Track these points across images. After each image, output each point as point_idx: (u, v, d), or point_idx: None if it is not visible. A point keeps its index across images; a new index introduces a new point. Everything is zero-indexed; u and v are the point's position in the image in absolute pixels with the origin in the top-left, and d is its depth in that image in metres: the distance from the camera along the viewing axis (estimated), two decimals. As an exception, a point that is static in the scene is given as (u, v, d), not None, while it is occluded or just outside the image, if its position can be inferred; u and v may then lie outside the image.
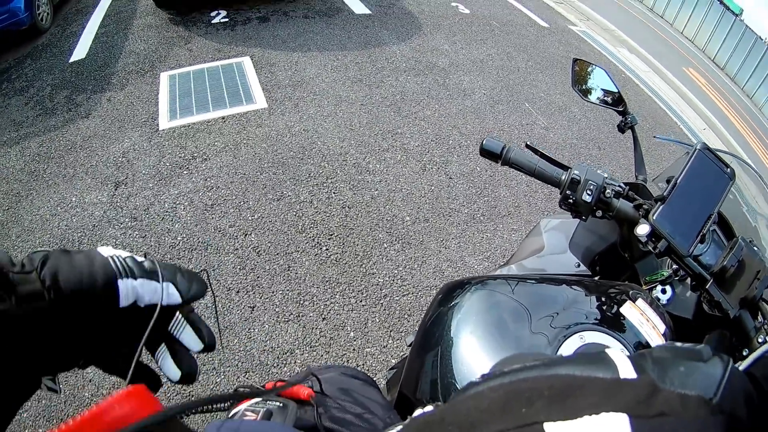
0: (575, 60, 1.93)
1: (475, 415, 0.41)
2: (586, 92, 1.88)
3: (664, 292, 1.45)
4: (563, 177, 1.39)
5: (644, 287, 1.43)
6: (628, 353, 0.60)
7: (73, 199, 3.70)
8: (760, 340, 1.23)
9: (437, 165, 4.38)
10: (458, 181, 4.25)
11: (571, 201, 1.37)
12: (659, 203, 1.26)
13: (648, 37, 17.32)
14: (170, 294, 0.69)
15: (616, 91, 1.81)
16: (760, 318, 1.27)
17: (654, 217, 1.24)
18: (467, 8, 8.43)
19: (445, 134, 4.79)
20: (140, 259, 0.67)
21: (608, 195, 1.35)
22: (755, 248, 1.32)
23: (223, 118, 4.54)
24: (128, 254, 0.66)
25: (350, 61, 5.76)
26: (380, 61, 5.87)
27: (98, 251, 0.63)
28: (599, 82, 1.89)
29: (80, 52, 5.53)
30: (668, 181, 1.30)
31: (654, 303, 1.29)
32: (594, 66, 1.92)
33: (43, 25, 5.87)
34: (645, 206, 1.32)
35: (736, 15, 32.97)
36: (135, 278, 0.64)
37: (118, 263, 0.63)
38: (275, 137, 4.35)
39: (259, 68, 5.34)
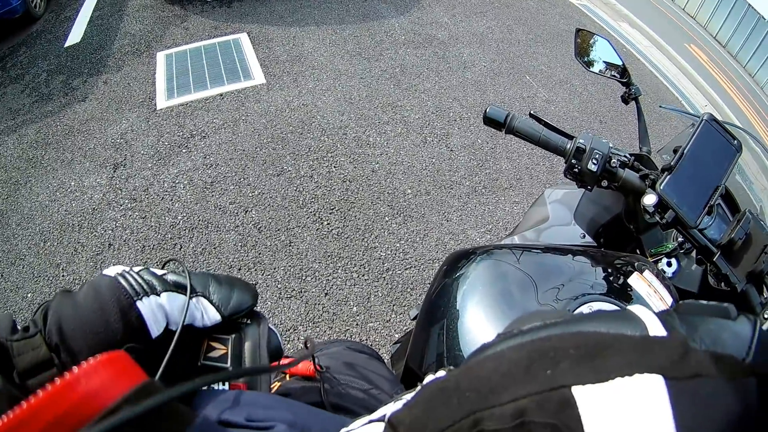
0: (578, 30, 1.90)
1: (495, 379, 0.38)
2: (589, 63, 1.85)
3: (669, 265, 1.45)
4: (568, 146, 1.38)
5: (650, 260, 1.43)
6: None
7: (72, 183, 3.68)
8: (766, 316, 1.22)
9: (438, 137, 4.35)
10: (459, 153, 4.22)
11: (576, 170, 1.36)
12: (666, 173, 1.24)
13: (649, 12, 17.18)
14: (205, 310, 0.59)
15: (620, 62, 1.79)
16: (765, 293, 1.27)
17: (661, 187, 1.21)
18: (467, -20, 8.32)
19: (446, 106, 4.75)
20: (159, 272, 0.58)
21: (614, 165, 1.34)
22: (762, 222, 1.31)
23: (221, 95, 4.50)
24: (142, 267, 0.57)
25: (348, 34, 5.70)
26: (379, 34, 5.82)
27: (103, 275, 0.54)
28: (602, 53, 1.88)
29: (75, 36, 5.46)
30: (675, 152, 1.28)
31: (660, 275, 1.28)
32: (597, 36, 1.91)
33: (37, 12, 5.78)
34: (651, 176, 1.30)
35: None
36: (158, 294, 0.55)
37: (131, 281, 0.54)
38: (274, 112, 4.31)
39: (256, 44, 5.29)
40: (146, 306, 0.54)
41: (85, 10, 5.98)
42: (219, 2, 6.08)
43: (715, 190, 1.24)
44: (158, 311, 0.55)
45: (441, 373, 0.50)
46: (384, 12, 6.36)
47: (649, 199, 1.22)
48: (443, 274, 1.32)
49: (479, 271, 1.24)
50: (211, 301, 0.61)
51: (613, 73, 1.79)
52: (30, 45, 5.36)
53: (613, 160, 1.34)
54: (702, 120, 1.31)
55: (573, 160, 1.35)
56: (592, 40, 1.92)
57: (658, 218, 1.22)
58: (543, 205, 1.74)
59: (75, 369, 0.38)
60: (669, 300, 1.18)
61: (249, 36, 5.44)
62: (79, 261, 3.16)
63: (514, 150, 4.34)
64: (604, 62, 1.84)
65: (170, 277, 0.59)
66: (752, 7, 28.10)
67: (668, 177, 1.23)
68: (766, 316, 1.21)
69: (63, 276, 3.08)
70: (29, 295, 2.99)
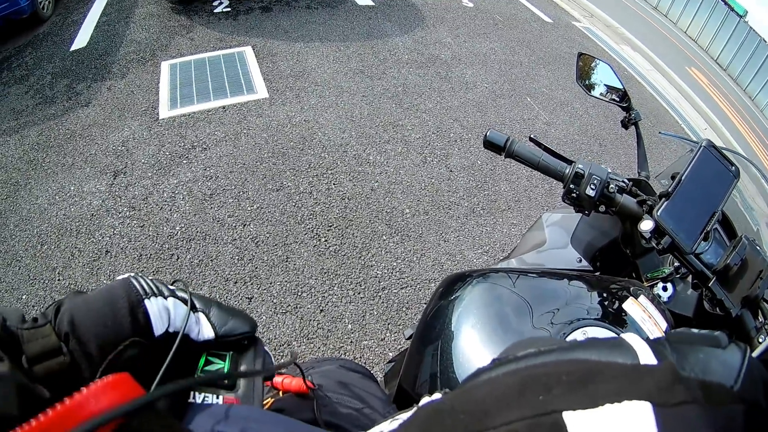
0: (580, 54, 1.92)
1: (489, 402, 0.39)
2: (590, 87, 1.87)
3: (665, 289, 1.44)
4: (567, 171, 1.39)
5: (645, 284, 1.42)
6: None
7: (72, 188, 3.69)
8: (760, 340, 1.23)
9: (438, 157, 4.37)
10: (459, 174, 4.25)
11: (574, 195, 1.37)
12: (663, 199, 1.25)
13: (651, 35, 17.37)
14: (200, 325, 0.63)
15: (620, 86, 1.80)
16: (760, 317, 1.27)
17: (658, 213, 1.23)
18: (471, 2, 8.43)
19: (447, 127, 4.79)
20: (171, 286, 0.63)
21: (612, 190, 1.35)
22: (758, 247, 1.32)
23: (223, 107, 4.52)
24: (153, 277, 0.62)
25: (352, 52, 5.74)
26: (382, 52, 5.86)
27: (117, 279, 0.59)
28: (604, 77, 1.89)
29: (81, 40, 5.49)
30: (673, 177, 1.30)
31: (655, 300, 1.28)
32: (599, 61, 1.92)
33: (45, 14, 5.82)
34: (649, 202, 1.32)
35: (741, 16, 32.90)
36: (165, 297, 0.59)
37: (142, 282, 0.58)
38: (276, 127, 4.33)
39: (260, 58, 5.32)
40: (153, 305, 0.58)
41: (92, 15, 6.02)
42: (225, 15, 6.12)
43: (712, 216, 1.27)
44: (163, 312, 0.58)
45: (437, 395, 0.52)
46: (388, 30, 6.42)
47: (646, 225, 1.24)
48: (439, 296, 1.33)
49: (475, 294, 1.25)
50: (209, 319, 0.64)
51: (613, 97, 1.80)
52: (36, 46, 5.38)
53: (611, 186, 1.36)
54: (700, 146, 1.33)
55: (571, 185, 1.36)
56: (593, 64, 1.95)
57: (654, 243, 1.23)
58: (540, 229, 1.75)
59: (83, 390, 0.40)
60: (663, 325, 1.19)
61: (254, 49, 5.47)
62: (76, 266, 3.16)
63: (513, 172, 4.37)
64: (605, 86, 1.86)
65: (177, 292, 0.62)
66: (753, 30, 28.35)
67: (665, 203, 1.25)
68: (760, 340, 1.23)
69: (59, 280, 3.08)
70: (24, 297, 3.00)
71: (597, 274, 1.53)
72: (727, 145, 9.74)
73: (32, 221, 3.45)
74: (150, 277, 0.61)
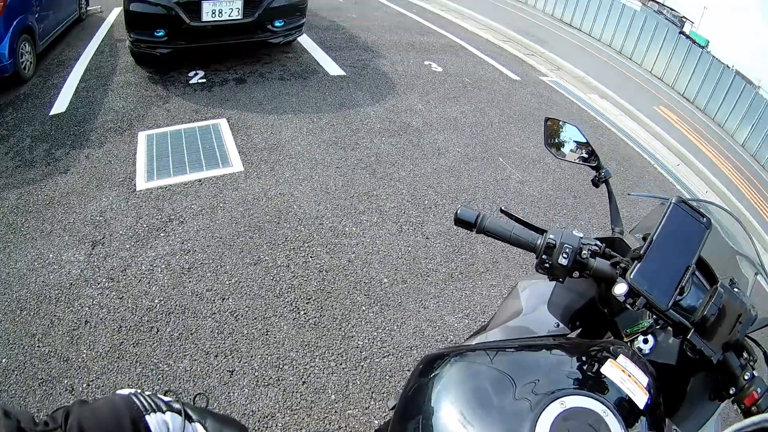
0: (547, 119, 1.97)
1: None
2: (559, 151, 1.94)
3: (646, 341, 1.44)
4: (539, 242, 1.41)
5: (626, 339, 1.45)
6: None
7: (51, 255, 3.70)
8: (746, 377, 1.25)
9: (413, 225, 4.46)
10: (435, 240, 4.33)
11: (547, 265, 1.38)
12: (636, 261, 1.28)
13: (618, 80, 18.06)
14: None
15: (589, 146, 1.86)
16: (745, 354, 1.30)
17: (631, 277, 1.26)
18: (440, 66, 8.72)
19: (421, 194, 4.89)
20: (166, 398, 0.69)
21: (584, 256, 1.38)
22: (736, 290, 1.35)
23: (199, 180, 4.58)
24: (151, 392, 0.68)
25: (325, 123, 5.88)
26: (355, 122, 6.00)
27: (118, 393, 0.65)
28: (572, 138, 1.94)
29: (61, 105, 5.58)
30: (644, 238, 1.33)
31: (635, 356, 1.29)
32: (565, 123, 1.97)
33: (26, 74, 5.93)
34: (622, 264, 1.35)
35: (702, 47, 34.36)
36: (163, 412, 0.66)
37: (142, 399, 0.64)
38: (251, 201, 4.39)
39: (235, 131, 5.42)
40: (153, 420, 0.64)
41: (71, 80, 6.15)
42: (201, 86, 6.27)
43: (686, 270, 1.28)
44: (162, 426, 0.65)
45: None
46: (360, 100, 6.60)
47: (620, 289, 1.26)
48: (419, 373, 1.34)
49: (453, 372, 1.27)
50: (205, 428, 0.70)
51: (583, 156, 1.86)
52: (17, 107, 5.48)
53: (583, 252, 1.38)
54: (670, 203, 1.37)
55: (544, 256, 1.38)
56: (560, 127, 1.98)
57: (629, 304, 1.25)
58: (516, 297, 1.73)
59: None
60: (645, 381, 1.17)
61: (228, 122, 5.57)
62: (56, 334, 3.16)
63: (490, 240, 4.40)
64: (575, 146, 1.91)
65: (173, 404, 0.68)
66: (717, 59, 29.52)
67: (637, 266, 1.27)
68: (746, 377, 1.25)
69: (39, 347, 3.07)
70: (3, 361, 2.98)
71: (576, 338, 1.57)
72: (699, 175, 10.21)
73: (11, 285, 3.46)
74: (148, 393, 0.66)
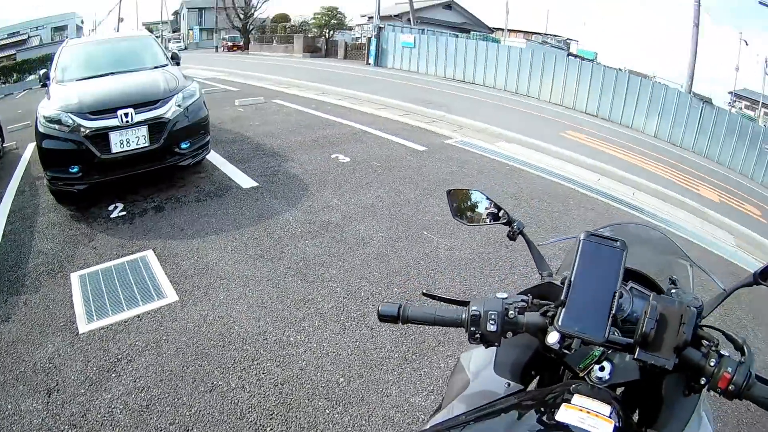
0: (449, 191, 2.06)
1: None
2: (468, 217, 2.00)
3: (602, 369, 1.44)
4: (463, 316, 1.43)
5: (582, 374, 1.45)
6: None
7: (9, 407, 3.76)
8: (712, 363, 1.28)
9: (355, 320, 4.67)
10: (380, 329, 4.54)
11: (478, 336, 1.39)
12: (560, 308, 1.31)
13: (520, 120, 18.79)
14: None
15: (495, 205, 1.92)
16: (705, 342, 1.34)
17: (559, 324, 1.28)
18: (347, 156, 9.27)
19: (355, 288, 5.13)
20: None
21: (512, 316, 1.41)
22: (673, 292, 1.47)
23: (138, 316, 4.70)
24: None
25: (248, 237, 6.14)
26: (276, 231, 6.29)
27: None
28: (477, 202, 2.00)
29: (-8, 251, 5.65)
30: (563, 282, 1.37)
31: (594, 389, 1.33)
32: (467, 191, 2.05)
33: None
34: (550, 312, 1.39)
35: (592, 60, 36.57)
36: None
37: None
38: (193, 329, 4.53)
39: (163, 260, 5.59)
40: None
41: (-2, 223, 6.21)
42: (122, 219, 6.48)
43: (613, 297, 1.29)
44: None
45: None
46: (277, 208, 6.93)
47: (552, 338, 1.30)
48: None
49: None
50: None
51: (493, 218, 1.92)
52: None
53: (510, 312, 1.41)
54: (579, 241, 1.40)
55: (472, 328, 1.39)
56: (464, 196, 2.06)
57: (566, 350, 1.28)
58: (461, 371, 1.73)
59: None
60: (606, 410, 1.18)
61: (155, 252, 5.75)
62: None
63: None
64: (482, 211, 1.97)
65: None
66: (607, 67, 31.96)
67: (562, 312, 1.30)
68: (711, 364, 1.28)
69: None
70: None
71: (531, 390, 1.59)
72: (622, 181, 10.65)
73: (-27, 445, 3.50)
74: None
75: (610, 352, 1.45)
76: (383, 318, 1.52)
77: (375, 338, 4.43)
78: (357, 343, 4.38)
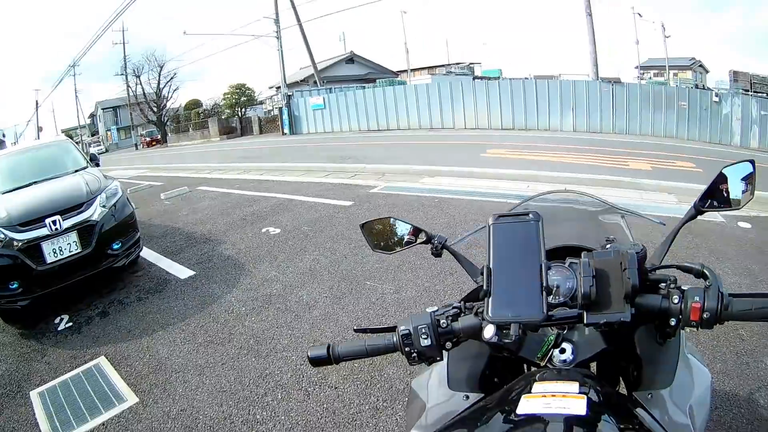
0: (362, 225, 1.97)
1: None
2: (388, 246, 1.95)
3: (563, 351, 1.41)
4: (394, 339, 1.40)
5: (543, 363, 1.41)
6: None
7: None
8: (676, 301, 1.24)
9: (317, 384, 4.74)
10: (344, 386, 4.62)
11: (415, 354, 1.36)
12: (487, 298, 1.26)
13: (440, 152, 19.55)
14: None
15: (412, 227, 1.87)
16: (662, 285, 1.31)
17: (489, 315, 1.23)
18: (277, 228, 9.60)
19: None
20: None
21: (444, 324, 1.37)
22: (610, 245, 1.39)
23: (103, 424, 4.72)
24: None
25: (195, 326, 6.28)
26: (221, 315, 6.45)
27: None
28: (393, 228, 1.95)
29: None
30: (482, 273, 1.32)
31: (559, 373, 1.31)
32: (382, 219, 2.00)
33: None
34: (481, 309, 1.35)
35: (498, 78, 38.41)
36: None
37: None
38: (159, 427, 4.59)
39: (116, 364, 5.67)
40: None
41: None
42: (70, 330, 6.58)
43: (540, 271, 1.25)
44: None
45: None
46: (217, 292, 7.10)
47: (488, 332, 1.24)
48: None
49: None
50: None
51: (412, 239, 1.87)
52: None
53: (442, 322, 1.37)
54: (489, 226, 1.37)
55: (407, 349, 1.36)
56: (378, 226, 2.00)
57: (508, 340, 1.21)
58: (415, 397, 1.64)
59: None
60: (575, 388, 1.13)
61: (107, 358, 5.83)
62: None
63: (394, 361, 4.67)
64: (400, 236, 1.91)
65: None
66: (512, 79, 34.76)
67: (489, 302, 1.25)
68: (675, 301, 1.25)
69: None
70: None
71: (488, 397, 1.47)
72: (552, 181, 11.09)
73: None
74: None
75: (566, 332, 1.44)
76: (315, 362, 1.51)
77: (341, 396, 4.49)
78: (324, 406, 4.43)
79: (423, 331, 1.33)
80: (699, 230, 8.17)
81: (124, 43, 61.16)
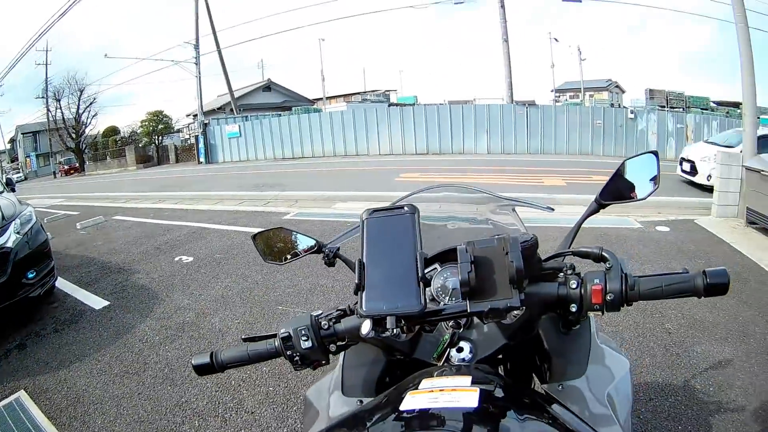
0: (254, 237, 1.95)
1: None
2: (280, 257, 1.92)
3: (460, 350, 1.38)
4: (276, 343, 1.37)
5: (439, 364, 1.38)
6: None
7: None
8: (574, 286, 1.22)
9: (233, 409, 4.67)
10: (260, 411, 4.50)
11: (297, 358, 1.33)
12: (360, 293, 1.23)
13: (353, 178, 19.93)
14: None
15: (302, 238, 1.86)
16: (560, 275, 1.29)
17: (364, 310, 1.20)
18: (190, 256, 9.69)
19: (224, 379, 5.27)
20: None
21: (327, 327, 1.34)
22: (496, 238, 1.24)
23: None
24: None
25: (110, 357, 6.29)
26: (135, 344, 6.49)
27: None
28: (286, 239, 1.93)
29: None
30: (354, 268, 1.29)
31: (452, 369, 1.27)
32: (274, 229, 1.99)
33: None
34: (356, 308, 1.31)
35: (413, 104, 39.22)
36: None
37: None
38: None
39: (36, 398, 5.61)
40: None
41: None
42: (-16, 362, 6.42)
43: (416, 262, 1.22)
44: None
45: None
46: (131, 321, 7.12)
47: (365, 328, 1.19)
48: None
49: None
50: None
51: (305, 249, 1.86)
52: None
53: (323, 323, 1.34)
54: (363, 221, 1.35)
55: (288, 352, 1.33)
56: (270, 237, 1.98)
57: (386, 335, 1.17)
58: (310, 406, 1.58)
59: None
60: (466, 382, 1.10)
61: (26, 392, 5.76)
62: None
63: (311, 377, 4.62)
64: (291, 247, 1.89)
65: None
66: (427, 105, 35.73)
67: (363, 296, 1.22)
68: (573, 286, 1.23)
69: None
70: None
71: (376, 397, 1.39)
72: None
73: None
74: None
75: (462, 331, 1.42)
76: (199, 370, 1.46)
77: (258, 420, 4.46)
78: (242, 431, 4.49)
79: (303, 333, 1.31)
80: (617, 236, 8.68)
81: (46, 64, 59.41)
